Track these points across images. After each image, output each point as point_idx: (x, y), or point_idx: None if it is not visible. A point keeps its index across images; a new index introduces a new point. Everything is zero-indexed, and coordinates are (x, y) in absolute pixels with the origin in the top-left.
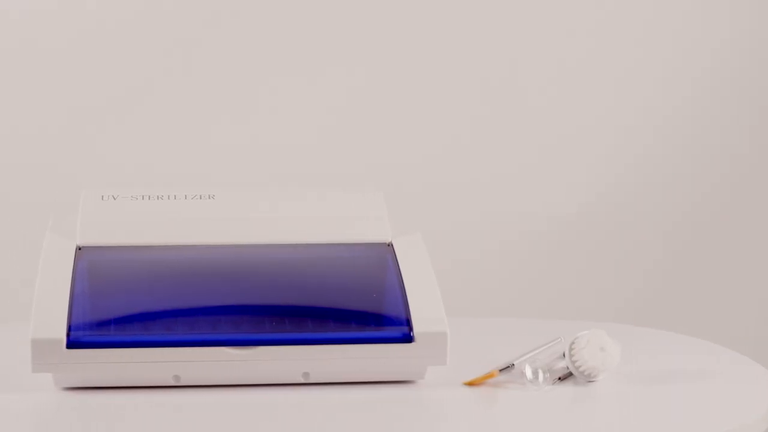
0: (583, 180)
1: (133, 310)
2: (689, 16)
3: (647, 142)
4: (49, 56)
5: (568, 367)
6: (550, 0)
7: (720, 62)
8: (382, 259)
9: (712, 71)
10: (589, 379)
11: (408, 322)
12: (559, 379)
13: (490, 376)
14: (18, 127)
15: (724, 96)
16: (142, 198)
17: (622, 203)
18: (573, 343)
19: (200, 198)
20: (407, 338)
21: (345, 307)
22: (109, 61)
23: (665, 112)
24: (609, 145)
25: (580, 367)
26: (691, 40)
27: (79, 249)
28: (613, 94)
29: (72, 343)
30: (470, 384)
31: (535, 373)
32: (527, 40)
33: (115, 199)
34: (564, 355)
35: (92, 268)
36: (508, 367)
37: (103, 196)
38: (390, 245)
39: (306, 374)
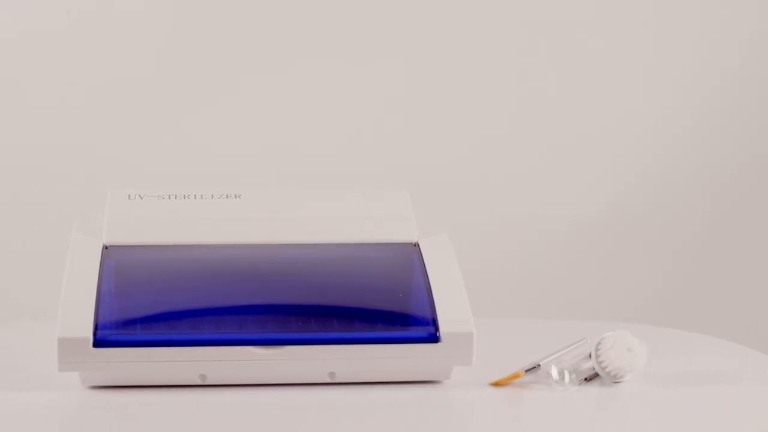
0: (603, 180)
1: (160, 309)
2: (713, 12)
3: (667, 142)
4: (72, 57)
5: (594, 368)
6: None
7: (740, 62)
8: (409, 259)
9: (732, 71)
10: (615, 380)
11: (434, 323)
12: (585, 379)
13: (516, 376)
14: (44, 127)
15: (744, 96)
16: (169, 197)
17: (642, 203)
18: (599, 343)
19: (226, 197)
20: (433, 338)
21: (371, 307)
22: (134, 61)
23: (685, 113)
24: (629, 146)
25: (606, 367)
26: (713, 40)
27: (106, 248)
28: (633, 94)
29: (98, 342)
30: (496, 384)
31: (561, 373)
32: (550, 40)
33: (141, 198)
34: (590, 356)
35: (119, 267)
36: (534, 367)
37: (129, 196)
38: (416, 245)
39: (332, 374)
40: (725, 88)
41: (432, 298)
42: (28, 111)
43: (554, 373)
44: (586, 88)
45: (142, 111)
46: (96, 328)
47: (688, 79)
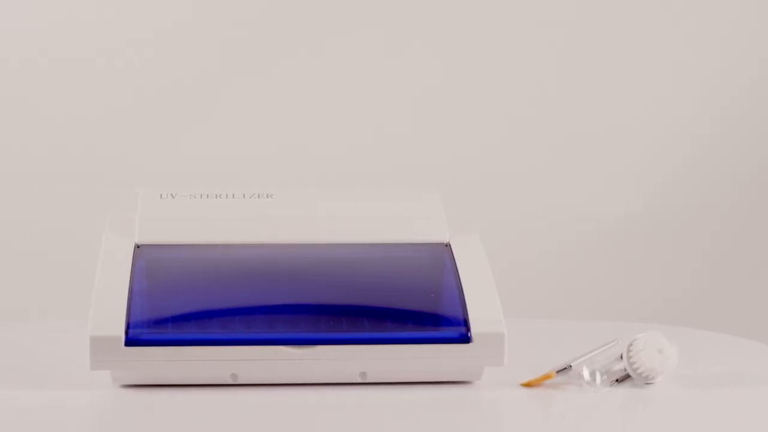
0: (633, 180)
1: (191, 308)
2: (744, 7)
3: (697, 141)
4: (108, 57)
5: (625, 369)
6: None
7: None
8: (440, 259)
9: (765, 68)
10: (646, 381)
11: (465, 323)
12: (617, 380)
13: (547, 377)
14: (76, 127)
15: None
16: (200, 196)
17: (671, 203)
18: (631, 344)
19: (258, 197)
20: (465, 339)
21: (402, 307)
22: (169, 61)
23: (716, 113)
24: (660, 145)
25: (638, 369)
26: (742, 38)
27: (138, 247)
28: (664, 95)
29: (130, 341)
30: (527, 385)
31: (592, 374)
32: (584, 38)
33: (173, 197)
34: (621, 357)
35: (151, 266)
36: (566, 368)
37: (161, 195)
38: (448, 245)
39: (363, 374)
40: (757, 87)
41: (463, 298)
42: (60, 117)
43: (586, 374)
44: (618, 85)
45: (168, 113)
46: (128, 327)
47: (718, 77)
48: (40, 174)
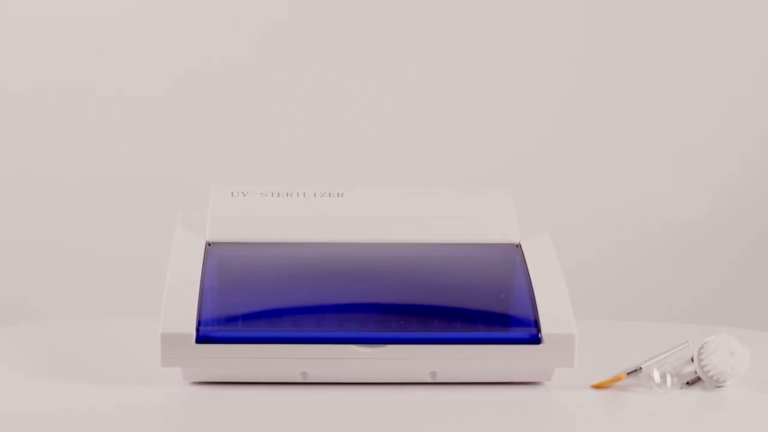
0: (701, 181)
1: (262, 307)
2: None
3: (765, 144)
4: (186, 55)
5: (696, 372)
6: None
7: None
8: (511, 260)
9: None
10: (717, 384)
11: (536, 324)
12: (687, 383)
13: (617, 379)
14: (149, 128)
15: None
16: (271, 195)
17: (740, 203)
18: (702, 347)
19: (329, 196)
20: (535, 339)
21: (473, 308)
22: (245, 60)
23: None
24: (728, 147)
25: (709, 371)
26: None
27: (209, 245)
28: (730, 98)
29: (201, 338)
30: (597, 387)
31: (663, 377)
32: (655, 34)
33: (244, 195)
34: (692, 360)
35: (222, 263)
36: (636, 370)
37: (232, 193)
38: (518, 246)
39: (433, 373)
40: None
41: (534, 299)
42: (133, 116)
43: (656, 376)
44: (685, 91)
45: (240, 112)
46: (199, 324)
47: None
48: (114, 173)
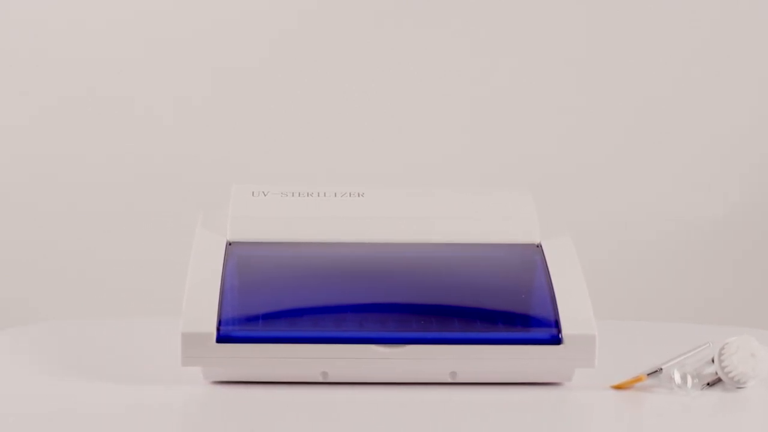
0: (721, 181)
1: (282, 306)
2: None
3: None
4: (197, 59)
5: (717, 373)
6: None
7: None
8: (531, 260)
9: None
10: (738, 385)
11: (557, 324)
12: (708, 384)
13: (637, 380)
14: (170, 126)
15: None
16: (292, 195)
17: (761, 203)
18: (723, 348)
19: (349, 196)
20: (556, 340)
21: (493, 308)
22: (265, 62)
23: None
24: (751, 146)
25: (729, 372)
26: None
27: (230, 244)
28: (746, 96)
29: (222, 338)
30: (618, 387)
31: (683, 378)
32: (675, 36)
33: (265, 195)
34: (713, 361)
35: (242, 263)
36: (656, 371)
37: (253, 192)
38: (539, 246)
39: (453, 373)
40: None
41: (554, 299)
42: (155, 116)
43: (677, 377)
44: (713, 91)
45: (261, 112)
46: (219, 323)
47: None
48: (135, 173)
